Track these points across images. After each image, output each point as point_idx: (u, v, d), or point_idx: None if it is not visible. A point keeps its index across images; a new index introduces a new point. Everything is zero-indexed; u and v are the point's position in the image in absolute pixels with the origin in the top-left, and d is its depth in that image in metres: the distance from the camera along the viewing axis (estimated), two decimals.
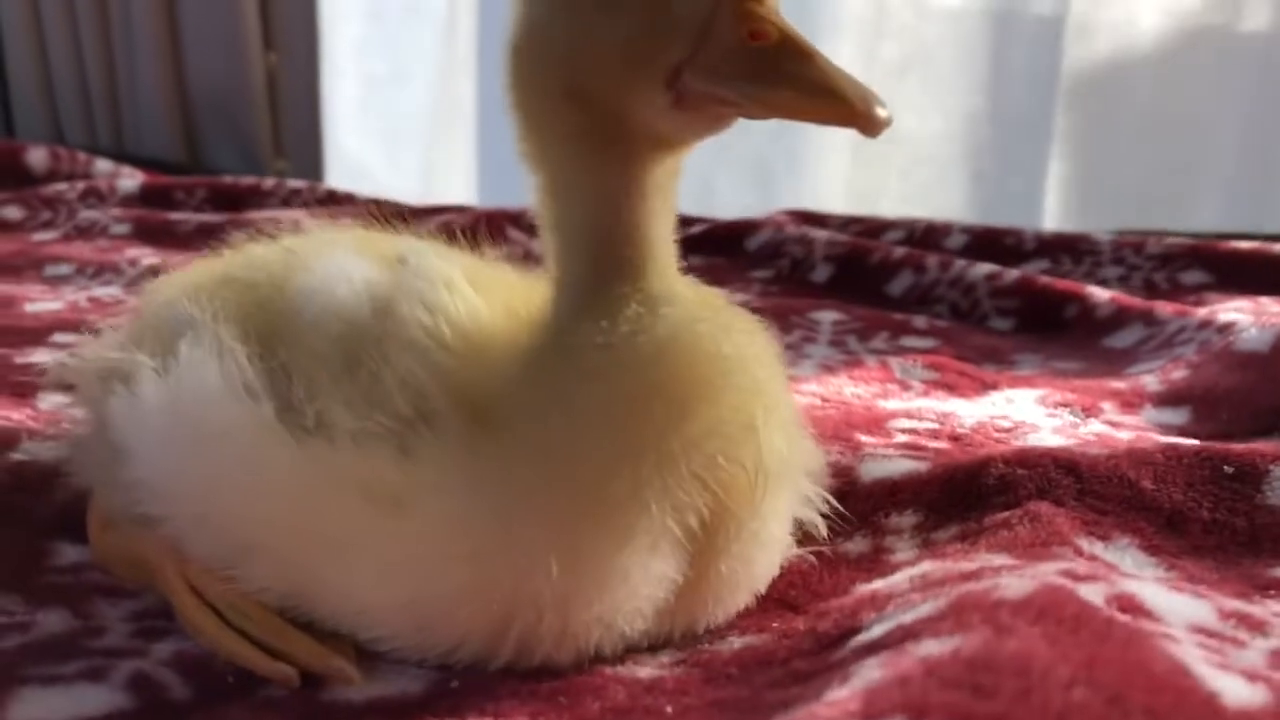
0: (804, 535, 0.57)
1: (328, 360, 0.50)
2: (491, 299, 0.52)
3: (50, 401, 0.82)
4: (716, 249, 1.50)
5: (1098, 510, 0.58)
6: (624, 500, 0.45)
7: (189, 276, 0.62)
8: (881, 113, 0.41)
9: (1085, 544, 0.55)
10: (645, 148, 0.48)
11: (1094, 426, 0.84)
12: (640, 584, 0.47)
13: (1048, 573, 0.46)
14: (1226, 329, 0.99)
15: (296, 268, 0.55)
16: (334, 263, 0.54)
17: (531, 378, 0.48)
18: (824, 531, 0.56)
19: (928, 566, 0.53)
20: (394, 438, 0.47)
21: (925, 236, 1.50)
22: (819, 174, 2.10)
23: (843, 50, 2.04)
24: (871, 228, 1.55)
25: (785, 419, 0.51)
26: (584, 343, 0.47)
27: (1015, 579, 0.45)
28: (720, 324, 0.48)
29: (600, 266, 0.49)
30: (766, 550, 0.52)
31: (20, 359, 0.93)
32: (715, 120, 0.47)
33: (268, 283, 0.55)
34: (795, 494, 0.54)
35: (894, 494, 0.63)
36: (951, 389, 0.96)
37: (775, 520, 0.51)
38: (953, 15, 2.05)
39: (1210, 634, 0.46)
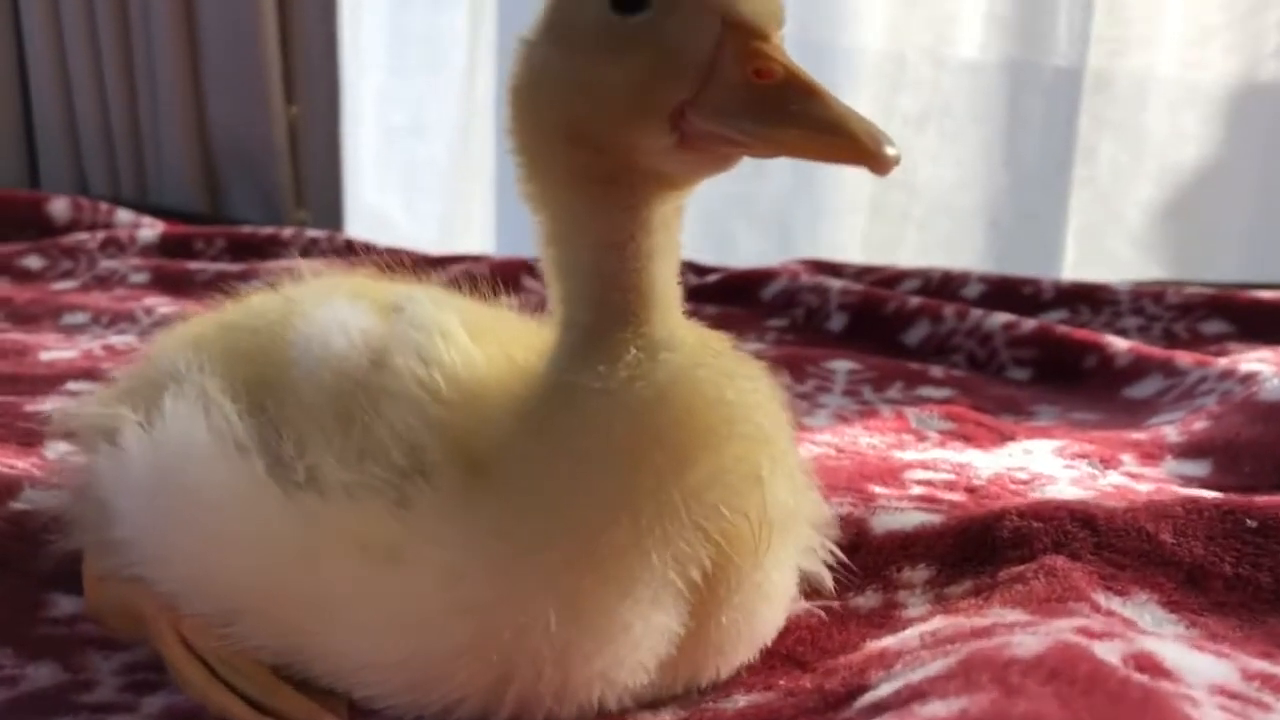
0: (813, 589, 0.55)
1: (320, 413, 0.49)
2: (489, 346, 0.51)
3: (56, 450, 0.81)
4: (733, 298, 1.50)
5: (1116, 565, 0.57)
6: (623, 551, 0.44)
7: (190, 328, 0.61)
8: (890, 151, 0.40)
9: (1103, 599, 0.53)
10: (649, 187, 0.47)
11: (1113, 478, 0.82)
12: (642, 636, 0.46)
13: (1062, 630, 0.45)
14: (1249, 379, 0.97)
15: (294, 315, 0.54)
16: (331, 311, 0.53)
17: (529, 425, 0.47)
18: (830, 584, 0.55)
19: (940, 623, 0.51)
20: (390, 490, 0.46)
21: (942, 286, 1.49)
22: (838, 225, 2.10)
23: (861, 102, 2.04)
24: (887, 277, 1.54)
25: (790, 468, 0.49)
26: (582, 388, 0.46)
27: (1028, 636, 0.43)
28: (722, 370, 0.47)
29: (602, 310, 0.48)
30: (770, 602, 0.50)
31: (30, 406, 0.93)
32: (720, 160, 0.46)
33: (266, 330, 0.54)
34: (800, 545, 0.52)
35: (906, 547, 0.61)
36: (968, 440, 0.94)
37: (779, 571, 0.50)
38: (970, 67, 2.05)
39: (1233, 695, 0.44)
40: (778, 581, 0.50)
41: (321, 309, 0.53)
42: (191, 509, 0.49)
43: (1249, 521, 0.59)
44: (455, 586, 0.45)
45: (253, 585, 0.48)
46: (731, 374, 0.47)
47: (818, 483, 0.76)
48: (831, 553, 0.55)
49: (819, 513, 0.54)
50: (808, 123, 0.41)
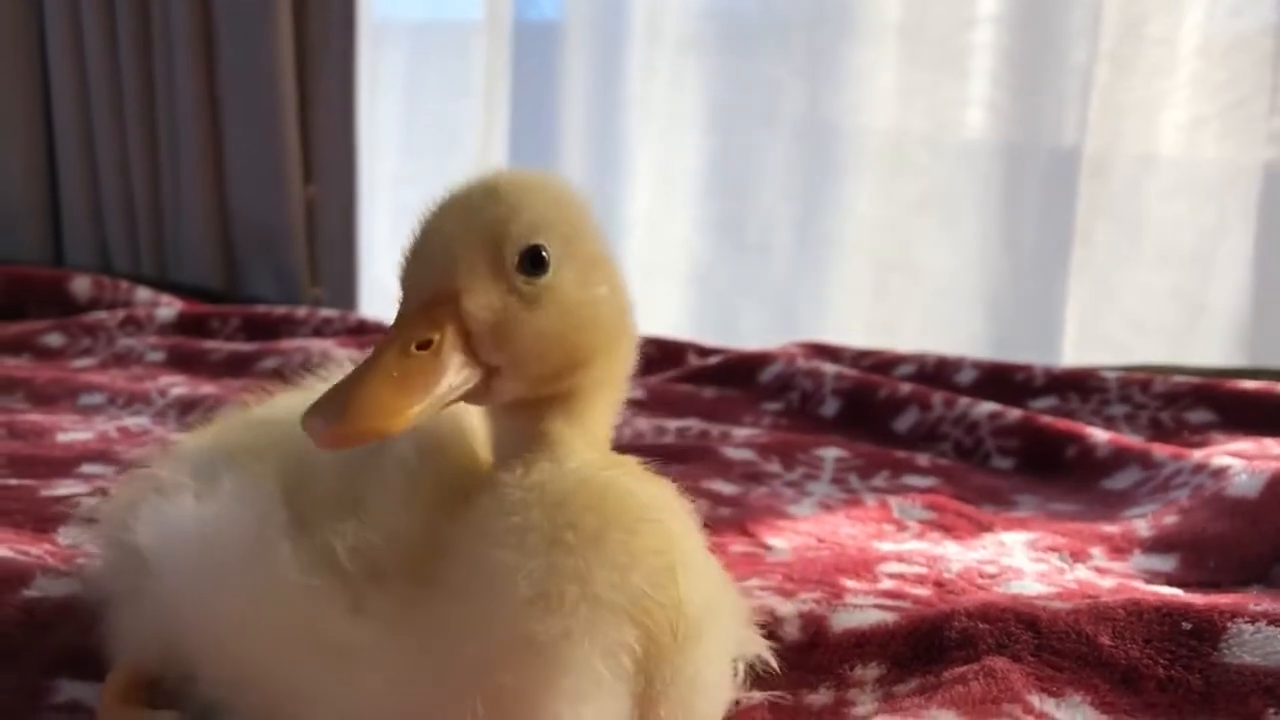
0: (764, 680, 0.58)
1: (327, 501, 0.53)
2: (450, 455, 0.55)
3: (70, 536, 0.85)
4: (731, 380, 1.54)
5: (1054, 666, 0.59)
6: (546, 639, 0.47)
7: (218, 428, 0.66)
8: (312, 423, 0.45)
9: (1037, 701, 0.56)
10: None
11: (1079, 573, 0.85)
12: None
13: None
14: (1220, 474, 1.00)
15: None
16: None
17: (462, 521, 0.50)
18: (774, 662, 0.58)
19: None
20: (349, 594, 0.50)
21: (937, 371, 1.52)
22: (840, 306, 2.14)
23: (862, 187, 2.10)
24: (883, 362, 1.58)
25: (702, 567, 0.53)
26: (508, 482, 0.50)
27: None
28: (633, 474, 0.52)
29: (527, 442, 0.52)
30: (706, 697, 0.53)
31: (46, 491, 0.97)
32: None
33: (285, 428, 0.58)
34: (731, 641, 0.55)
35: (860, 645, 0.65)
36: (948, 531, 0.97)
37: (711, 668, 0.53)
38: (968, 151, 2.10)
39: None
40: (710, 679, 0.53)
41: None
42: (220, 585, 0.53)
43: (1184, 624, 0.61)
44: (400, 681, 0.48)
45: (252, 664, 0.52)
46: (643, 479, 0.52)
47: (786, 577, 0.80)
48: (772, 645, 0.58)
49: (743, 609, 0.57)
50: None
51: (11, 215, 2.26)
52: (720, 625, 0.53)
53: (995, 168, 2.09)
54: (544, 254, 0.50)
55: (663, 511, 0.51)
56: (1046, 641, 0.61)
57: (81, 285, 1.92)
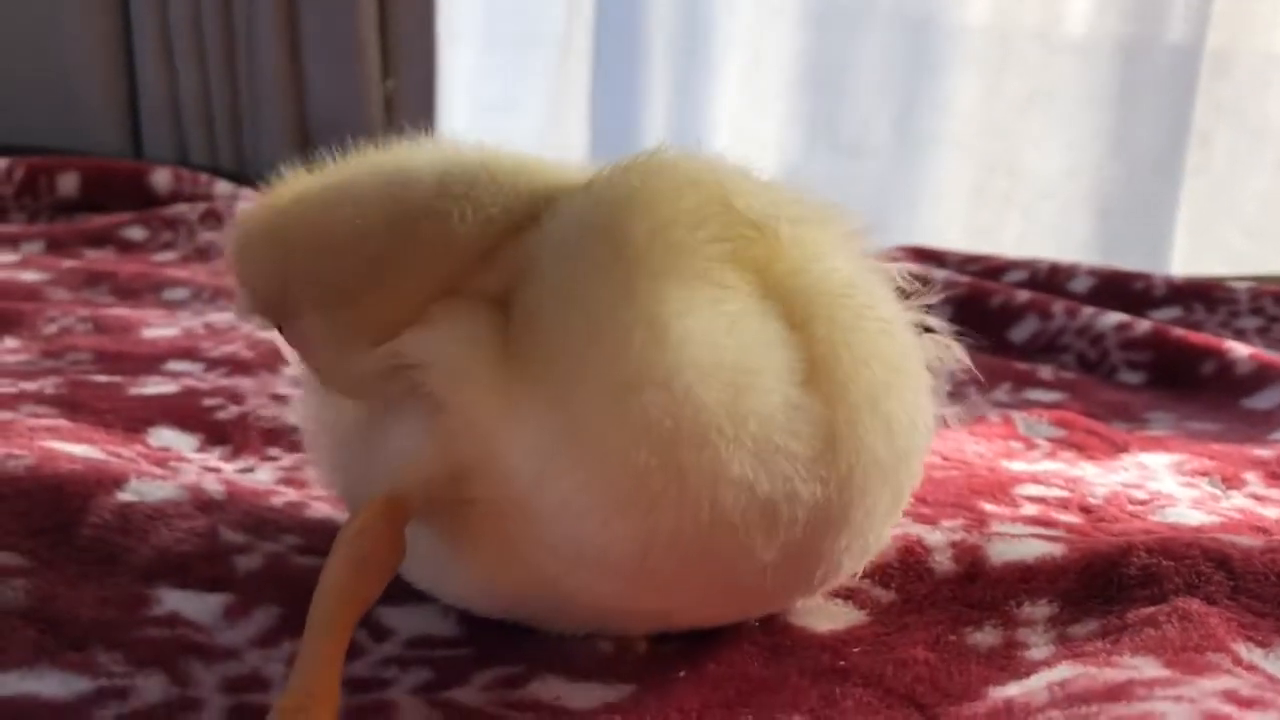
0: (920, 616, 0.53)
1: None
2: None
3: (161, 438, 0.82)
4: None
5: (1255, 612, 0.53)
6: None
7: None
8: None
9: (1244, 651, 0.50)
10: None
11: (1236, 500, 0.78)
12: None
13: (1208, 693, 0.42)
14: None
15: None
16: None
17: None
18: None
19: (1067, 671, 0.48)
20: None
21: (1049, 278, 1.44)
22: (938, 209, 2.05)
23: (965, 84, 1.99)
24: (992, 267, 1.50)
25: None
26: None
27: (1172, 705, 0.40)
28: None
29: None
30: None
31: (134, 389, 0.93)
32: None
33: None
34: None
35: (1026, 580, 0.59)
36: (1080, 449, 0.91)
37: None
38: (1079, 47, 1.98)
39: None
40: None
41: None
42: None
43: None
44: None
45: None
46: None
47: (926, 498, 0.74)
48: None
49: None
50: None
51: (89, 109, 2.22)
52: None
53: (1107, 64, 1.96)
54: None
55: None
56: (1243, 584, 0.55)
57: (161, 178, 1.88)
